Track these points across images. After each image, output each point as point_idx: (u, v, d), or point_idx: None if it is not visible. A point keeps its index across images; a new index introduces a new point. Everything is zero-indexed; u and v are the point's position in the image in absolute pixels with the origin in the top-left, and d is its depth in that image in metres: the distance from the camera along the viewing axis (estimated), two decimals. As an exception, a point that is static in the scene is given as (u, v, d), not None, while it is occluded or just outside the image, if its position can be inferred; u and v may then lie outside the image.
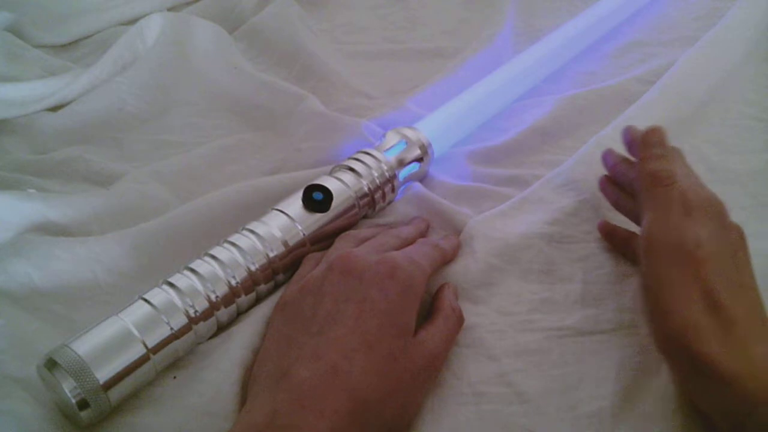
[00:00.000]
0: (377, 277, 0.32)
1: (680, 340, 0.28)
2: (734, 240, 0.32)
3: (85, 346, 0.30)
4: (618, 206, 0.40)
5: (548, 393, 0.33)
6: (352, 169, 0.42)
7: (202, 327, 0.34)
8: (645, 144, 0.36)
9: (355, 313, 0.31)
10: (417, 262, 0.34)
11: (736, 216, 0.43)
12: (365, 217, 0.44)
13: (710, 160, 0.48)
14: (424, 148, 0.46)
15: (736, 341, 0.27)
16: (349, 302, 0.31)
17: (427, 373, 0.32)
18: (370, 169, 0.42)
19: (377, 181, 0.42)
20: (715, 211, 0.32)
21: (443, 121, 0.49)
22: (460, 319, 0.35)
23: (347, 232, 0.40)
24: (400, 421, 0.30)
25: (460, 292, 0.38)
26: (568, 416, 0.32)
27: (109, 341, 0.31)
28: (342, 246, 0.38)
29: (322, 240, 0.40)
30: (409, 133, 0.46)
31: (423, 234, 0.41)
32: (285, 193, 0.41)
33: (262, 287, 0.37)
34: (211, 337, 0.36)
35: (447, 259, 0.38)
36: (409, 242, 0.38)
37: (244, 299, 0.36)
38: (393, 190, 0.44)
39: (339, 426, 0.27)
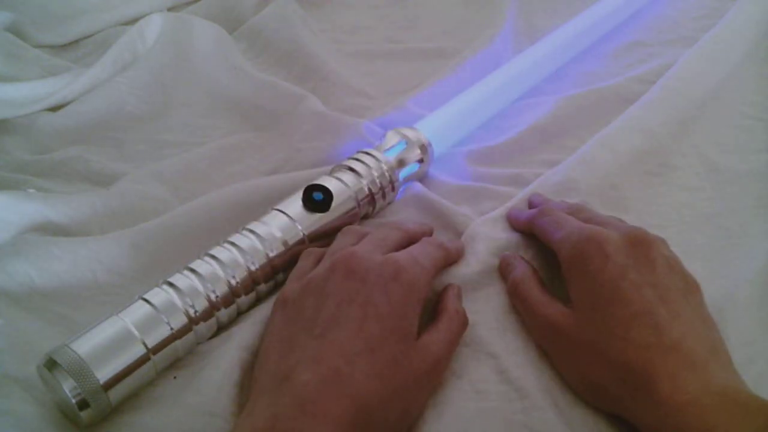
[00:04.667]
0: (381, 279, 0.32)
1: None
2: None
3: (85, 346, 0.30)
4: None
5: (547, 390, 0.33)
6: (352, 169, 0.42)
7: (202, 327, 0.34)
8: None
9: (358, 317, 0.30)
10: (421, 264, 0.34)
11: (737, 216, 0.44)
12: (365, 217, 0.44)
13: (710, 160, 0.48)
14: (424, 149, 0.46)
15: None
16: (352, 305, 0.31)
17: (429, 377, 0.31)
18: (370, 169, 0.42)
19: (377, 181, 0.42)
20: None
21: (443, 121, 0.49)
22: (463, 322, 0.35)
23: (349, 227, 0.39)
24: (403, 424, 0.30)
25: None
26: (565, 414, 0.32)
27: (109, 341, 0.31)
28: (344, 242, 0.37)
29: (322, 240, 0.40)
30: (409, 133, 0.46)
31: (427, 233, 0.40)
32: (285, 193, 0.41)
33: (262, 287, 0.37)
34: (211, 337, 0.36)
35: (451, 260, 0.38)
36: (412, 238, 0.38)
37: (244, 299, 0.36)
38: (393, 190, 0.44)
39: (341, 431, 0.27)
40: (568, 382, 0.33)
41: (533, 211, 0.40)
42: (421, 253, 0.35)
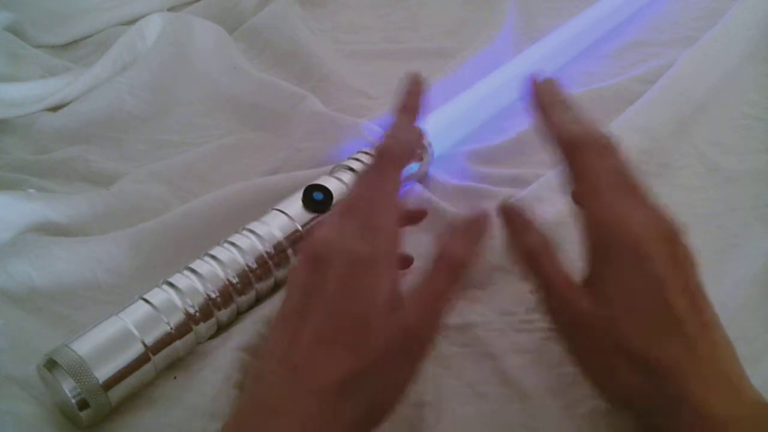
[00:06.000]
0: (339, 268, 0.29)
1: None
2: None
3: (85, 346, 0.30)
4: None
5: (547, 392, 0.33)
6: (352, 169, 0.42)
7: (202, 327, 0.34)
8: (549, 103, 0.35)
9: (316, 308, 0.28)
10: (379, 236, 0.30)
11: (737, 216, 0.44)
12: (365, 217, 0.43)
13: (710, 160, 0.48)
14: (425, 148, 0.46)
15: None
16: (311, 296, 0.29)
17: (404, 351, 0.29)
18: (370, 169, 0.42)
19: (377, 181, 0.42)
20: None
21: (443, 121, 0.49)
22: (452, 273, 0.30)
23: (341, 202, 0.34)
24: (384, 399, 0.29)
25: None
26: (565, 415, 0.32)
27: (109, 341, 0.31)
28: (325, 224, 0.32)
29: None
30: (409, 133, 0.46)
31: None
32: (285, 193, 0.41)
33: (262, 287, 0.37)
34: (211, 337, 0.36)
35: (405, 160, 0.34)
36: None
37: (244, 299, 0.36)
38: (393, 190, 0.44)
39: (309, 427, 0.27)
40: (588, 380, 0.31)
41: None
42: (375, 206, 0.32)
